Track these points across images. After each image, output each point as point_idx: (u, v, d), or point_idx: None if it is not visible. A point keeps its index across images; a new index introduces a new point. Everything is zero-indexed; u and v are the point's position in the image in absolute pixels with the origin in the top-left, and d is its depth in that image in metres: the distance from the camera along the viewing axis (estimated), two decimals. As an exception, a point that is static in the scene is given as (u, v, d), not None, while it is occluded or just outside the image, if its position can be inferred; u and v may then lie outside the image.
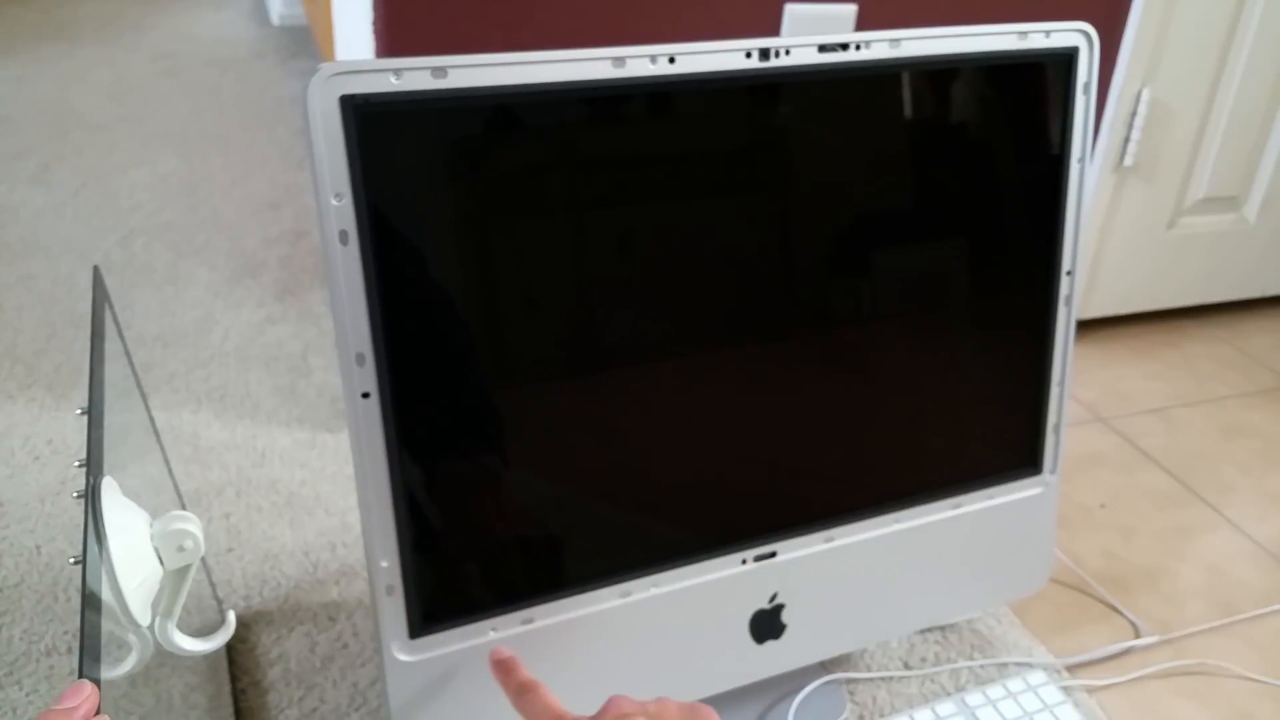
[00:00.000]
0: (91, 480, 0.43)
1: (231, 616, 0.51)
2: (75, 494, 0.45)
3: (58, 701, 0.34)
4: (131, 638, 0.46)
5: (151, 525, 0.45)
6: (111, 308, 0.61)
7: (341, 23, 1.18)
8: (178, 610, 0.46)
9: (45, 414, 1.04)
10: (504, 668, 0.54)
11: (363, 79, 0.47)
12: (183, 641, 0.47)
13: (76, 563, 0.39)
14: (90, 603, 0.38)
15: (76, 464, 0.46)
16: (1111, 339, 1.39)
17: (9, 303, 1.24)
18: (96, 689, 0.35)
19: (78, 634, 0.41)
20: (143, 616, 0.44)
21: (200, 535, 0.45)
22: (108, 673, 0.41)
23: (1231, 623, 0.89)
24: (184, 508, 0.76)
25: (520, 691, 0.52)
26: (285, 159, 1.73)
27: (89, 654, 0.36)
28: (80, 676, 0.35)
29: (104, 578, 0.40)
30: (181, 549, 0.45)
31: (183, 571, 0.46)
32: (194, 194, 1.58)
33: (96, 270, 0.60)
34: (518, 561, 0.59)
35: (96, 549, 0.41)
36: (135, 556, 0.43)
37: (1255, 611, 0.91)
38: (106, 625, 0.41)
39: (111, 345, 0.60)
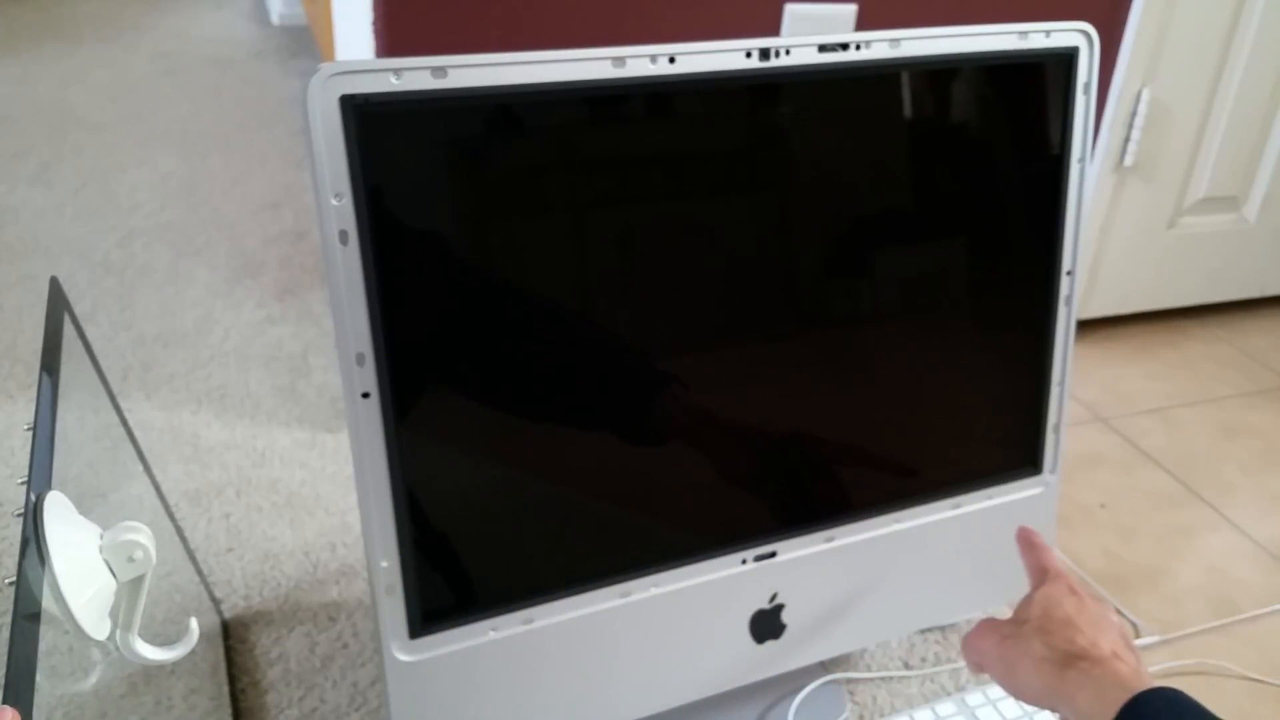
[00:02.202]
0: (32, 497, 0.43)
1: (194, 624, 0.50)
2: (14, 512, 0.44)
3: None
4: (95, 652, 0.46)
5: (101, 538, 0.45)
6: (74, 318, 0.60)
7: (341, 23, 1.18)
8: (137, 620, 0.46)
9: (45, 414, 1.04)
10: (1028, 531, 0.64)
11: (363, 79, 0.47)
12: (145, 651, 0.47)
13: (11, 584, 0.39)
14: (23, 625, 0.37)
15: (19, 481, 0.45)
16: (1111, 339, 1.39)
17: (9, 303, 1.24)
18: (18, 713, 0.34)
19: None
20: (98, 631, 0.43)
21: (150, 545, 0.45)
22: (71, 687, 0.41)
23: (1231, 623, 0.89)
24: (170, 513, 0.76)
25: (1029, 547, 0.63)
26: (285, 159, 1.73)
27: (16, 678, 0.35)
28: (5, 702, 0.34)
29: (49, 596, 0.40)
30: (132, 560, 0.45)
31: (137, 582, 0.45)
32: (194, 194, 1.58)
33: (54, 281, 0.58)
34: (518, 561, 0.59)
35: (39, 568, 0.40)
36: (84, 571, 0.43)
37: (1255, 611, 0.91)
38: (65, 642, 0.41)
39: (81, 363, 0.59)
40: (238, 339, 1.21)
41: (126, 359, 1.15)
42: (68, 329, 0.57)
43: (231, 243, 1.44)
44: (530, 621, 0.59)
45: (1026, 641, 0.54)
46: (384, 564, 0.55)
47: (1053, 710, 0.53)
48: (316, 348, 1.20)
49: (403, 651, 0.57)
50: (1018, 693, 0.55)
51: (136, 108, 1.91)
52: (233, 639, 0.80)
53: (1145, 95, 1.20)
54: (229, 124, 1.87)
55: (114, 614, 0.45)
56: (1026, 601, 0.58)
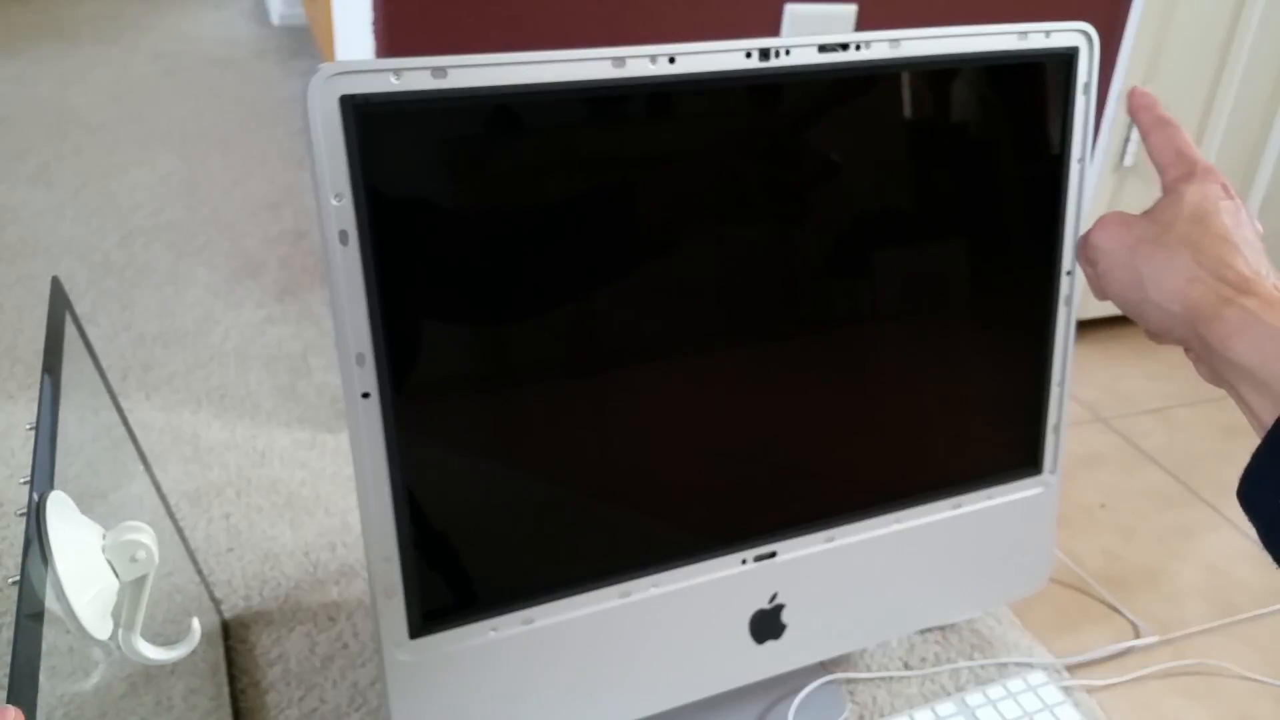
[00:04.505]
0: (36, 497, 0.43)
1: (195, 624, 0.50)
2: (17, 512, 0.44)
3: None
4: (97, 652, 0.46)
5: (104, 538, 0.45)
6: (75, 318, 0.60)
7: (341, 23, 1.18)
8: (139, 620, 0.46)
9: (45, 414, 1.04)
10: (1143, 102, 0.53)
11: (363, 79, 0.47)
12: (147, 651, 0.47)
13: (15, 583, 0.39)
14: (26, 625, 0.37)
15: (21, 481, 0.45)
16: (1111, 339, 1.39)
17: (9, 303, 1.24)
18: (22, 714, 0.34)
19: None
20: (100, 631, 0.43)
21: (153, 545, 0.45)
22: (72, 687, 0.41)
23: (1231, 623, 0.89)
24: (170, 513, 0.76)
25: (1158, 124, 0.51)
26: (285, 159, 1.73)
27: (19, 677, 0.35)
28: (9, 701, 0.34)
29: (51, 595, 0.40)
30: (134, 560, 0.45)
31: (139, 582, 0.46)
32: (194, 194, 1.58)
33: (55, 281, 0.58)
34: (518, 561, 0.59)
35: (42, 568, 0.40)
36: (86, 571, 0.43)
37: (1255, 611, 0.91)
38: (66, 641, 0.41)
39: (83, 363, 0.59)
40: (238, 339, 1.21)
41: (126, 359, 1.15)
42: (69, 329, 0.57)
43: (231, 243, 1.44)
44: (530, 622, 0.59)
45: (1171, 253, 0.43)
46: (384, 564, 0.55)
47: (1176, 341, 0.41)
48: (316, 348, 1.20)
49: (402, 652, 0.57)
50: (1139, 313, 0.45)
51: (136, 108, 1.91)
52: (233, 639, 0.80)
53: (1145, 95, 1.20)
54: (229, 124, 1.87)
55: (116, 614, 0.46)
56: (1172, 199, 0.45)
